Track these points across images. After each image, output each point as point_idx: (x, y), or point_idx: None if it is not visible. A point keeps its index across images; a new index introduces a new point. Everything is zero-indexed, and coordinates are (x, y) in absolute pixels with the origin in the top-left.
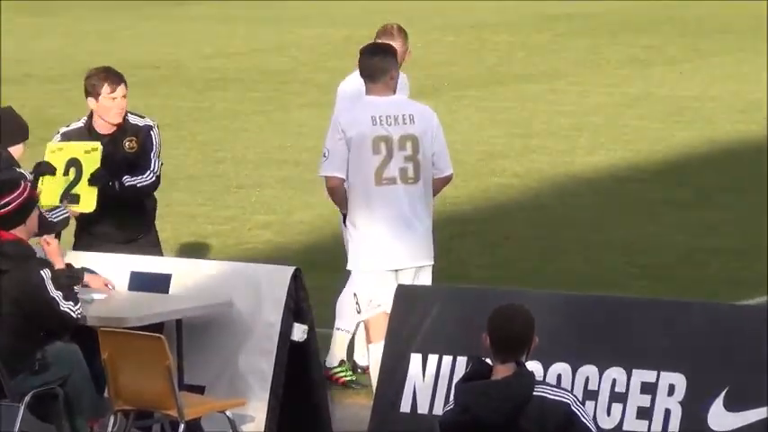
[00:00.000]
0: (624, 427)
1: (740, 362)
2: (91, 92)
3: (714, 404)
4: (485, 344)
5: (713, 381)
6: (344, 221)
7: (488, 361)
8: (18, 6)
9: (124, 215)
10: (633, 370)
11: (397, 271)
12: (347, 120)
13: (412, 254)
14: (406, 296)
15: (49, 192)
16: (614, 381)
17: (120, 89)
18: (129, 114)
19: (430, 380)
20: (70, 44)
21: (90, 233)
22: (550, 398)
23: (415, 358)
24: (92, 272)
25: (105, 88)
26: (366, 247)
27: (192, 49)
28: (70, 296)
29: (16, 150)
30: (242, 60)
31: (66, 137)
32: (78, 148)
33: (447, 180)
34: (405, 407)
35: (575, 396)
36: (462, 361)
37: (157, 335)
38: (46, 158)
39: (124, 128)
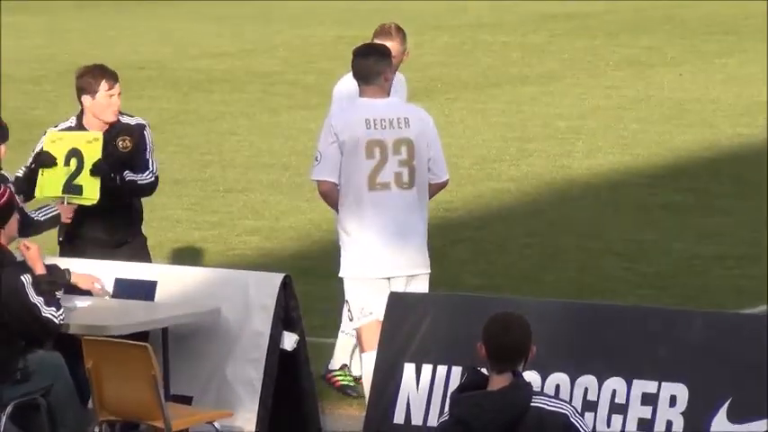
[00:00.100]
0: None
1: (743, 372)
2: (86, 89)
3: (717, 415)
4: (480, 353)
5: (716, 391)
6: None
7: (484, 371)
8: None
9: (113, 218)
10: (633, 380)
11: (389, 279)
12: (340, 123)
13: (405, 262)
14: (398, 304)
15: (50, 183)
16: (614, 391)
17: (117, 86)
18: (120, 114)
19: (424, 390)
20: (51, 44)
21: (79, 237)
22: (548, 409)
23: (409, 368)
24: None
25: (103, 85)
26: (358, 253)
27: (178, 49)
28: (52, 302)
29: None
30: (229, 61)
31: None
32: (79, 138)
33: (443, 186)
34: (398, 418)
35: (573, 407)
36: (457, 371)
37: (143, 344)
38: (45, 148)
39: (116, 127)
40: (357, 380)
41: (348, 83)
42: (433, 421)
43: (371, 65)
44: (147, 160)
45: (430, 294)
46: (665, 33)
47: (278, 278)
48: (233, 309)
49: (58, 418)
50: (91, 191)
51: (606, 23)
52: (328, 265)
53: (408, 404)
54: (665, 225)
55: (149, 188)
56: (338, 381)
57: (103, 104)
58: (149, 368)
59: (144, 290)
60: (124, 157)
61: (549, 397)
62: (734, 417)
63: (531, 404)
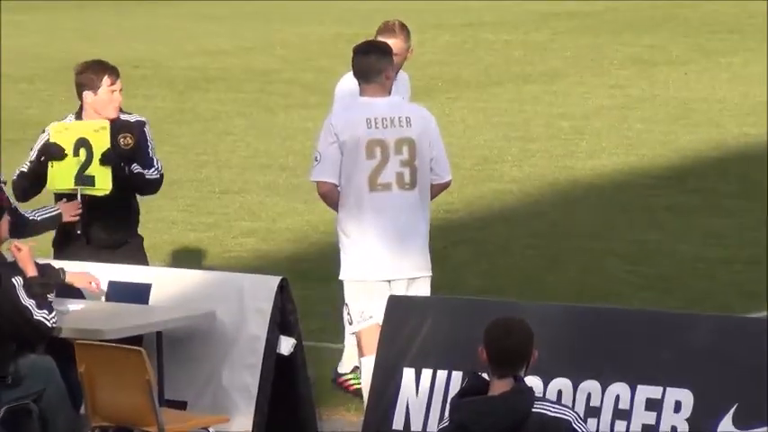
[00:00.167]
0: None
1: (750, 377)
2: (88, 85)
3: (723, 421)
4: (481, 358)
5: (722, 397)
6: None
7: (485, 376)
8: None
9: (113, 218)
10: (637, 386)
11: (390, 282)
12: (340, 122)
13: (407, 264)
14: (398, 307)
15: (61, 176)
16: (617, 397)
17: (119, 82)
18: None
19: (423, 396)
20: (46, 42)
21: (78, 238)
22: (550, 415)
23: (408, 373)
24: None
25: (106, 80)
26: (358, 256)
27: (173, 47)
28: (44, 304)
29: None
30: (225, 59)
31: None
32: (86, 127)
33: (445, 186)
34: (397, 424)
35: (576, 413)
36: (457, 376)
37: (137, 348)
38: (52, 139)
39: (116, 124)
40: (337, 378)
41: (350, 81)
42: (432, 427)
43: (372, 62)
44: (152, 158)
45: (430, 297)
46: (668, 32)
47: (275, 281)
48: (229, 312)
49: (50, 423)
50: (103, 181)
51: (609, 21)
52: (326, 268)
53: (408, 409)
54: (670, 226)
55: (156, 184)
56: (351, 384)
57: (105, 100)
58: (143, 373)
59: (138, 293)
60: (126, 153)
61: (552, 402)
62: (740, 423)
63: (533, 410)
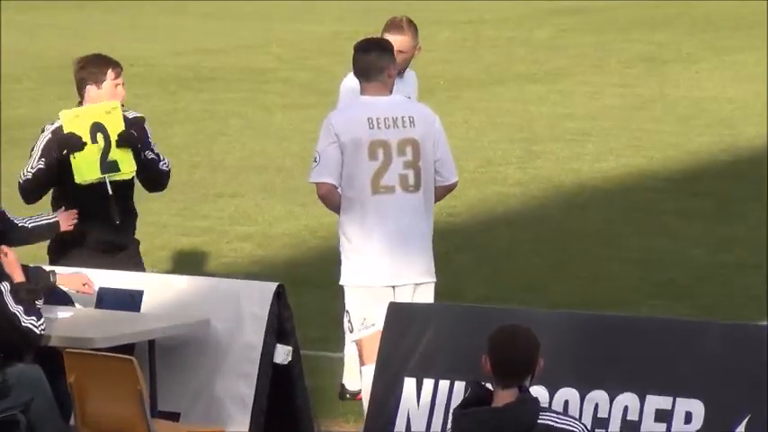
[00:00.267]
0: None
1: (763, 387)
2: (90, 79)
3: None
4: (485, 367)
5: (734, 408)
6: None
7: (489, 386)
8: None
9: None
10: (647, 396)
11: (394, 287)
12: (341, 122)
13: (411, 269)
14: (399, 315)
15: (87, 166)
16: (626, 408)
17: (122, 76)
18: None
19: (425, 406)
20: (34, 41)
21: (77, 242)
22: (557, 426)
23: (409, 382)
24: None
25: (110, 73)
26: (360, 261)
27: (166, 45)
28: (32, 311)
29: None
30: (219, 58)
31: (57, 134)
32: (98, 110)
33: (451, 188)
34: None
35: (583, 425)
36: (460, 386)
37: (128, 357)
38: (66, 129)
39: None
40: (354, 396)
41: (355, 79)
42: None
43: (373, 60)
44: (158, 153)
45: (432, 305)
46: (679, 29)
47: (271, 287)
48: (223, 320)
49: None
50: (127, 164)
51: (617, 18)
52: (325, 274)
53: (409, 420)
54: (681, 232)
55: (167, 176)
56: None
57: (110, 94)
58: (135, 383)
59: (130, 300)
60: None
61: (558, 414)
62: None
63: (539, 421)
